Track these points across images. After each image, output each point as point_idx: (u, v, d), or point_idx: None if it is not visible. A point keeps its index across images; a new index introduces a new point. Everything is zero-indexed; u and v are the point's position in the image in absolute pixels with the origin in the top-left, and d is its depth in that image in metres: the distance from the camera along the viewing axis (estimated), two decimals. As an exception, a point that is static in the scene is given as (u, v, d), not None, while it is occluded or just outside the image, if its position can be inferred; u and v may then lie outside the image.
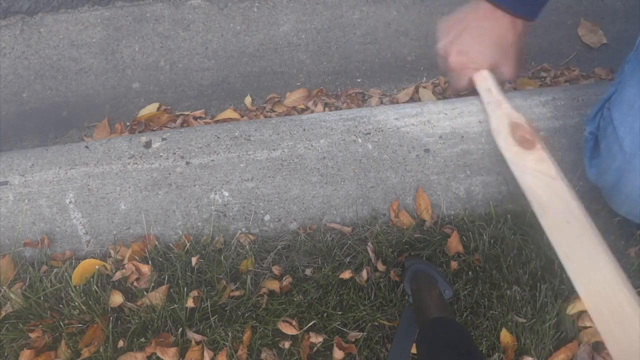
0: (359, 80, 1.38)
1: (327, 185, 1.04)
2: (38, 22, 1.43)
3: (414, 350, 0.78)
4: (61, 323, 0.92)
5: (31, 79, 1.40)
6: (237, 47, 1.40)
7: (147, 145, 1.07)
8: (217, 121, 1.31)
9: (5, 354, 0.91)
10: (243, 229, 1.03)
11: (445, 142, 1.04)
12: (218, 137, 1.07)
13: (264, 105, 1.36)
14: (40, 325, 0.92)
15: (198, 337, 0.92)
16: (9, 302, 0.94)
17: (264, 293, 0.96)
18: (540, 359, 0.91)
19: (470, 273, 0.96)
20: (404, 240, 0.98)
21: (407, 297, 0.87)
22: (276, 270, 0.98)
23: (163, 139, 1.07)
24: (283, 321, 0.92)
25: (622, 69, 0.82)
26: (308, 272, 0.98)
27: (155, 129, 1.31)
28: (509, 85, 1.32)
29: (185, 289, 0.94)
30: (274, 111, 1.34)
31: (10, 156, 1.09)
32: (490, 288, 0.95)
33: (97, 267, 0.98)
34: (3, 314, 0.94)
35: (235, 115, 1.32)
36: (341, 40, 1.40)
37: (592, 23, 1.37)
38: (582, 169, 0.96)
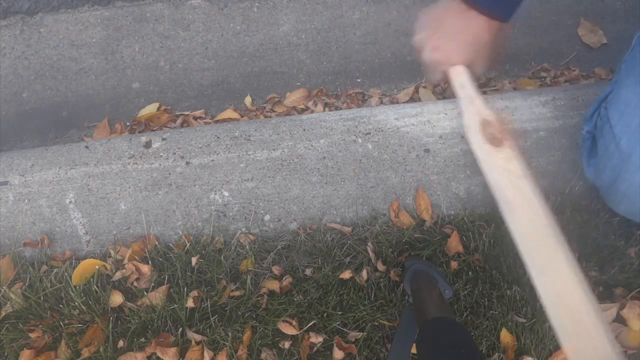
0: (359, 80, 1.38)
1: (327, 185, 1.04)
2: (38, 22, 1.43)
3: (414, 350, 0.78)
4: (61, 323, 0.92)
5: (31, 79, 1.40)
6: (237, 47, 1.40)
7: (147, 145, 1.07)
8: (217, 121, 1.31)
9: (5, 354, 0.91)
10: (243, 229, 1.03)
11: (445, 142, 1.04)
12: (218, 137, 1.07)
13: (264, 105, 1.36)
14: (40, 325, 0.92)
15: (198, 337, 0.92)
16: (9, 302, 0.94)
17: (264, 293, 0.96)
18: (540, 359, 0.91)
19: (470, 273, 0.96)
20: (404, 240, 0.98)
21: (407, 297, 0.87)
22: (276, 270, 0.98)
23: (163, 139, 1.07)
24: (283, 321, 0.92)
25: (619, 68, 0.82)
26: (308, 272, 0.98)
27: (155, 129, 1.31)
28: (508, 85, 1.32)
29: (185, 289, 0.94)
30: (274, 111, 1.34)
31: (10, 156, 1.09)
32: (490, 288, 0.95)
33: (97, 267, 0.98)
34: (3, 314, 0.94)
35: (235, 115, 1.32)
36: (341, 40, 1.40)
37: (592, 23, 1.37)
38: (582, 168, 0.96)
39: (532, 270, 0.49)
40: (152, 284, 0.96)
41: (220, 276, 0.97)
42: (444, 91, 1.33)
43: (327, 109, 1.32)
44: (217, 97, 1.37)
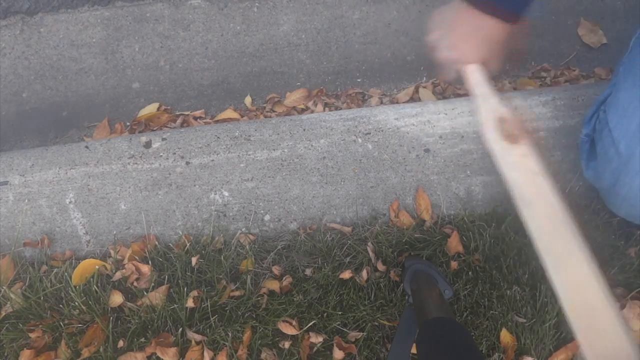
0: (359, 80, 1.38)
1: (327, 185, 1.04)
2: (38, 22, 1.43)
3: (414, 350, 0.78)
4: (61, 323, 0.92)
5: (31, 79, 1.40)
6: (237, 47, 1.40)
7: (147, 145, 1.07)
8: (217, 121, 1.31)
9: (5, 354, 0.91)
10: (243, 229, 1.03)
11: (445, 142, 1.04)
12: (218, 137, 1.07)
13: (264, 105, 1.36)
14: (40, 325, 0.92)
15: (198, 337, 0.92)
16: (9, 302, 0.94)
17: (264, 293, 0.96)
18: (540, 359, 0.91)
19: (470, 273, 0.96)
20: (404, 240, 0.98)
21: (407, 297, 0.87)
22: (276, 270, 0.98)
23: (163, 139, 1.07)
24: (283, 321, 0.92)
25: (617, 71, 0.82)
26: (308, 272, 0.98)
27: (155, 129, 1.31)
28: (508, 85, 1.32)
29: (185, 289, 0.94)
30: (274, 111, 1.34)
31: (10, 156, 1.09)
32: (490, 288, 0.95)
33: (97, 267, 0.98)
34: (3, 314, 0.94)
35: (235, 115, 1.32)
36: (341, 40, 1.40)
37: (592, 23, 1.37)
38: (582, 169, 0.96)
39: (549, 266, 0.49)
40: (152, 284, 0.96)
41: (220, 276, 0.97)
42: (444, 91, 1.33)
43: (327, 109, 1.32)
44: (217, 97, 1.37)
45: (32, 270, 0.99)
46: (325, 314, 0.94)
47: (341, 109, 1.32)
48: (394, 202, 1.03)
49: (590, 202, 1.00)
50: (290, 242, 1.01)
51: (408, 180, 1.03)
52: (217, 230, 1.03)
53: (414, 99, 1.32)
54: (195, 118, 1.33)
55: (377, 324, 0.94)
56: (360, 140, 1.05)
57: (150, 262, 0.99)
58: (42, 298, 0.95)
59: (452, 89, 1.32)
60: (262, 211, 1.03)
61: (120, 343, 0.91)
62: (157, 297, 0.94)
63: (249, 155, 1.05)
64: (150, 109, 1.34)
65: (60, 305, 0.95)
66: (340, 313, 0.94)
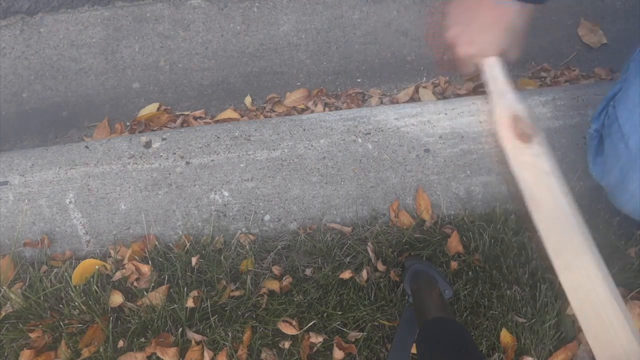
0: (359, 80, 1.38)
1: (327, 185, 1.04)
2: (38, 22, 1.43)
3: (414, 350, 0.78)
4: (61, 323, 0.92)
5: (31, 79, 1.40)
6: (237, 47, 1.40)
7: (147, 145, 1.07)
8: (217, 121, 1.31)
9: (5, 354, 0.91)
10: (243, 229, 1.03)
11: (445, 142, 1.04)
12: (218, 137, 1.07)
13: (264, 105, 1.36)
14: (40, 325, 0.92)
15: (198, 337, 0.92)
16: (9, 302, 0.94)
17: (264, 293, 0.96)
18: (540, 359, 0.91)
19: (470, 273, 0.96)
20: (404, 240, 0.98)
21: (407, 297, 0.87)
22: (276, 270, 0.98)
23: (163, 139, 1.07)
24: (283, 321, 0.92)
25: (627, 67, 0.81)
26: (308, 272, 0.98)
27: (155, 129, 1.31)
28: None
29: (185, 289, 0.94)
30: (274, 111, 1.34)
31: (10, 156, 1.09)
32: (490, 288, 0.95)
33: (97, 267, 0.98)
34: (3, 314, 0.94)
35: (235, 115, 1.32)
36: (341, 40, 1.40)
37: (592, 23, 1.37)
38: (582, 169, 0.96)
39: (558, 266, 0.49)
40: (152, 284, 0.96)
41: (220, 276, 0.97)
42: (444, 91, 1.33)
43: (327, 109, 1.32)
44: (217, 97, 1.37)
45: (32, 270, 0.99)
46: (325, 314, 0.94)
47: (341, 109, 1.32)
48: (394, 202, 1.03)
49: (590, 202, 1.00)
50: (290, 242, 1.01)
51: (408, 180, 1.03)
52: (217, 230, 1.03)
53: (414, 99, 1.32)
54: (195, 118, 1.33)
55: (377, 324, 0.94)
56: (360, 140, 1.05)
57: (150, 262, 0.99)
58: (42, 298, 0.95)
59: (452, 88, 1.32)
60: (262, 211, 1.03)
61: (120, 343, 0.91)
62: (157, 297, 0.94)
63: (249, 155, 1.05)
64: (150, 109, 1.34)
65: (60, 305, 0.95)
66: (340, 313, 0.94)
